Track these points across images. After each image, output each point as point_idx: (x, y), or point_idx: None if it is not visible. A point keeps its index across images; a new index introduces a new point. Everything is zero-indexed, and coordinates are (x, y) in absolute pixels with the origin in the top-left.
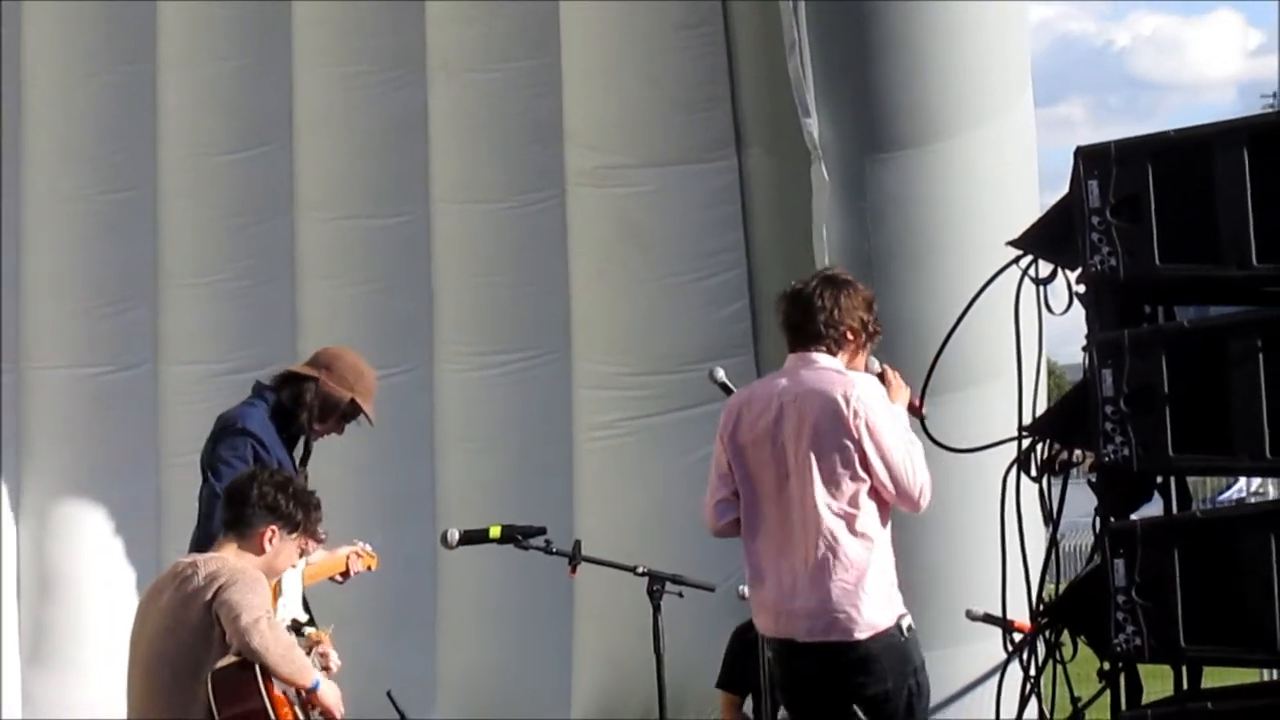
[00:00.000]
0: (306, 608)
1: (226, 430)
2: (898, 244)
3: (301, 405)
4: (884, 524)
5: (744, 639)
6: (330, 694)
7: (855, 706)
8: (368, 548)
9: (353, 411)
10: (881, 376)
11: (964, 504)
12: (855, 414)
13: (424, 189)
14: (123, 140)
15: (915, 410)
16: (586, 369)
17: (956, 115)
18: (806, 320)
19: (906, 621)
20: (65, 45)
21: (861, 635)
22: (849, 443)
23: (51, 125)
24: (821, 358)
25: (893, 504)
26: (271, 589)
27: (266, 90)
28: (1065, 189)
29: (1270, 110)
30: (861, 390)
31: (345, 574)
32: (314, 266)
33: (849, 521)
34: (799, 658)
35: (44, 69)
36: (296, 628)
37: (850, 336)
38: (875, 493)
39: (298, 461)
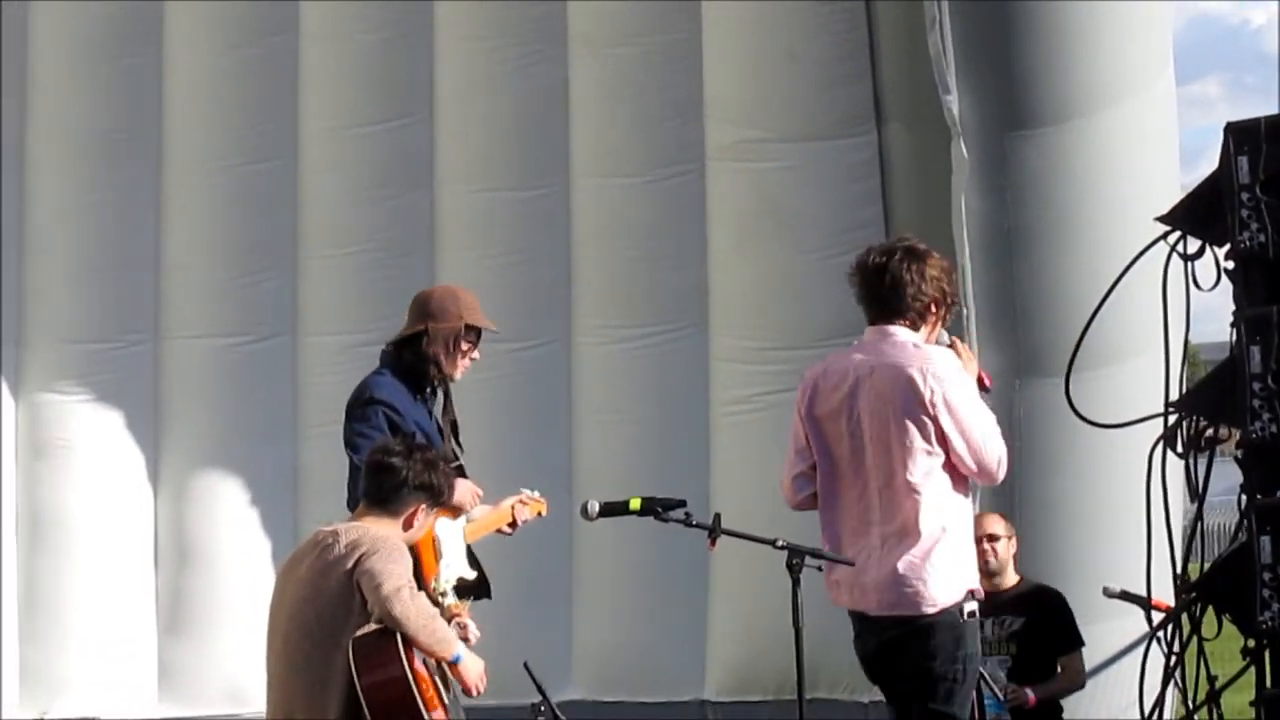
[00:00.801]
0: (475, 562)
1: (358, 402)
2: (1038, 221)
3: (425, 358)
4: (963, 497)
5: None
6: (472, 668)
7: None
8: (535, 494)
9: (473, 333)
10: (952, 348)
11: (1106, 481)
12: (932, 390)
13: (564, 162)
14: (265, 112)
15: (983, 385)
16: (723, 343)
17: (1098, 92)
18: (892, 294)
19: (970, 606)
20: (209, 18)
21: (927, 610)
22: (926, 418)
23: (195, 97)
24: (902, 331)
25: (971, 478)
26: (431, 552)
27: (408, 63)
28: (1203, 166)
29: None
30: (938, 365)
31: (513, 524)
32: (454, 239)
33: (923, 495)
34: (871, 630)
35: (188, 42)
36: (466, 585)
37: (934, 309)
38: (951, 467)
39: (440, 411)
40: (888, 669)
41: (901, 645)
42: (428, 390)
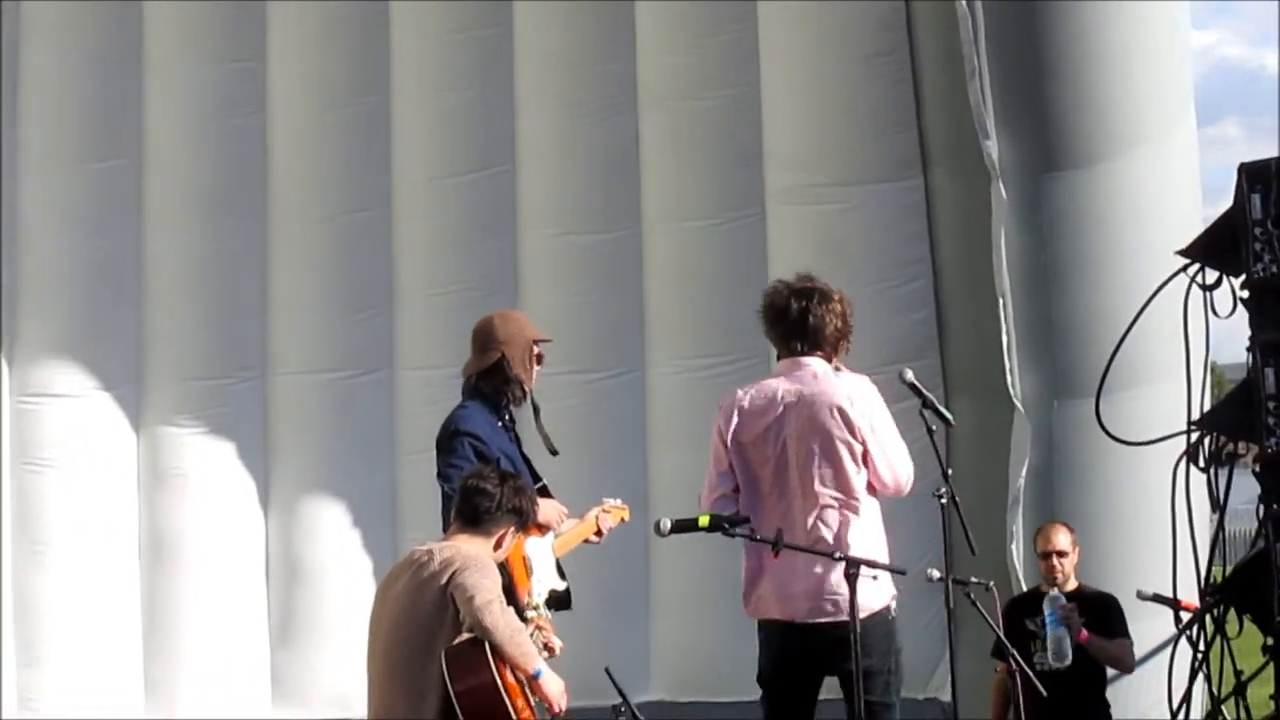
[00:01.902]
0: (562, 574)
1: (446, 435)
2: (1071, 255)
3: (507, 381)
4: (876, 512)
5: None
6: (553, 685)
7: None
8: (617, 501)
9: (537, 348)
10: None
11: (1135, 493)
12: (861, 414)
13: (636, 207)
14: (361, 165)
15: None
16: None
17: (1125, 136)
18: (812, 330)
19: (894, 605)
20: (308, 81)
21: (861, 615)
22: (855, 440)
23: (297, 154)
24: (818, 363)
25: (882, 492)
26: (523, 568)
27: (492, 118)
28: (1225, 203)
29: None
30: (864, 392)
31: (599, 533)
32: (536, 278)
33: (848, 511)
34: (797, 637)
35: (289, 102)
36: (555, 597)
37: (841, 342)
38: (870, 485)
39: (535, 417)
40: (818, 671)
41: (836, 648)
42: (507, 416)
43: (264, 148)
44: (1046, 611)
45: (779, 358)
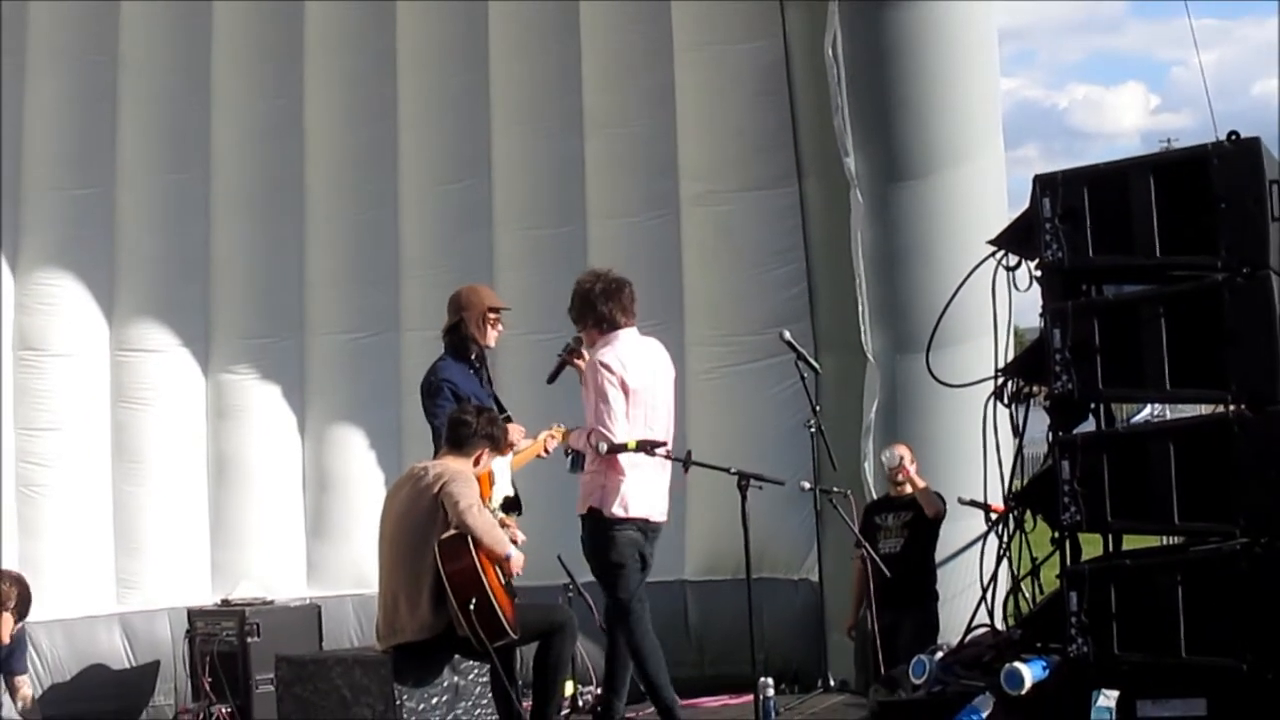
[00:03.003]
0: (514, 488)
1: (427, 383)
2: (911, 245)
3: (467, 338)
4: None
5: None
6: (517, 561)
7: None
8: (558, 426)
9: (494, 312)
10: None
11: (957, 424)
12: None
13: (582, 208)
14: (375, 175)
15: None
16: (695, 333)
17: (951, 154)
18: (632, 306)
19: None
20: (334, 112)
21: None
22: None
23: (330, 167)
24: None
25: None
26: (487, 481)
27: (474, 139)
28: (1024, 206)
29: (1164, 151)
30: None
31: (546, 450)
32: (507, 262)
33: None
34: (652, 530)
35: (322, 128)
36: (507, 502)
37: None
38: None
39: (486, 377)
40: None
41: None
42: (475, 362)
43: (301, 163)
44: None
45: (611, 327)
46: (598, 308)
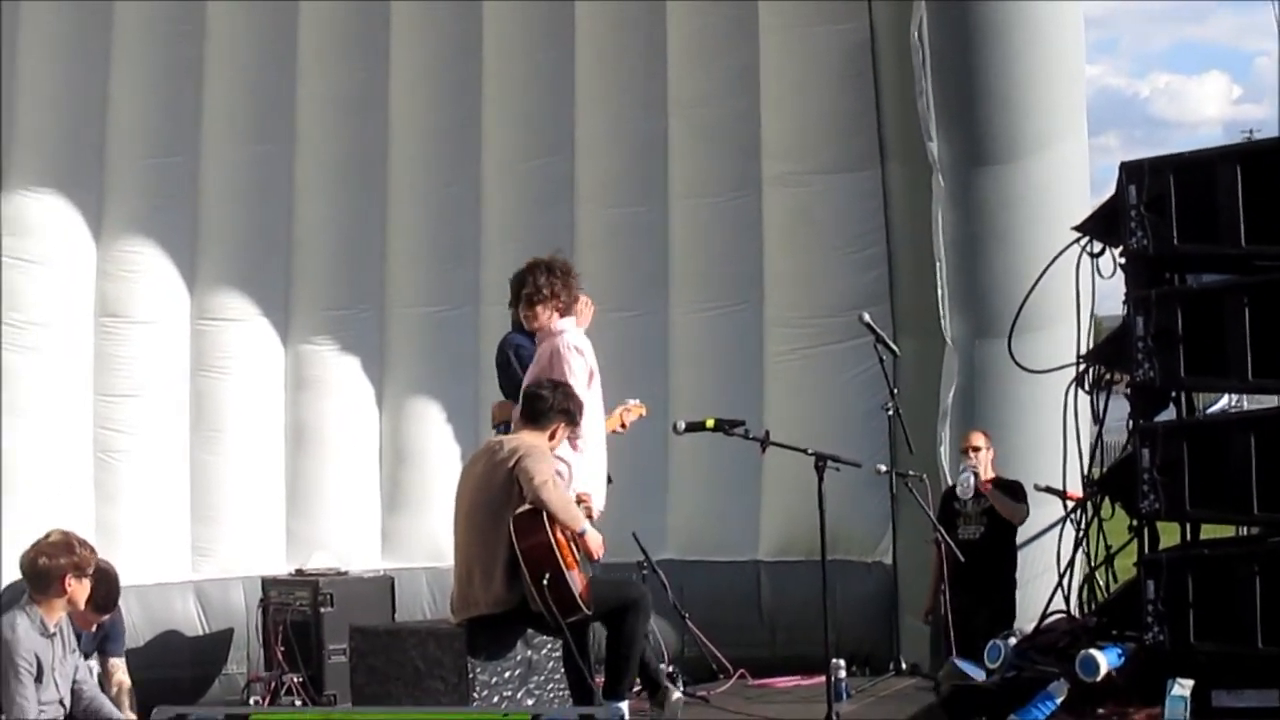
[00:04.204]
0: None
1: (500, 358)
2: (992, 230)
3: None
4: None
5: None
6: (594, 538)
7: None
8: (634, 401)
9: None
10: None
11: (1036, 410)
12: None
13: (664, 188)
14: (458, 151)
15: None
16: (774, 314)
17: (1034, 140)
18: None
19: None
20: (419, 88)
21: None
22: None
23: (413, 142)
24: None
25: None
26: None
27: (557, 117)
28: (1106, 194)
29: (1249, 141)
30: None
31: (623, 425)
32: (589, 241)
33: None
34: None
35: (406, 103)
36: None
37: None
38: None
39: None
40: None
41: None
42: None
43: (385, 137)
44: (960, 467)
45: (568, 311)
46: (572, 289)
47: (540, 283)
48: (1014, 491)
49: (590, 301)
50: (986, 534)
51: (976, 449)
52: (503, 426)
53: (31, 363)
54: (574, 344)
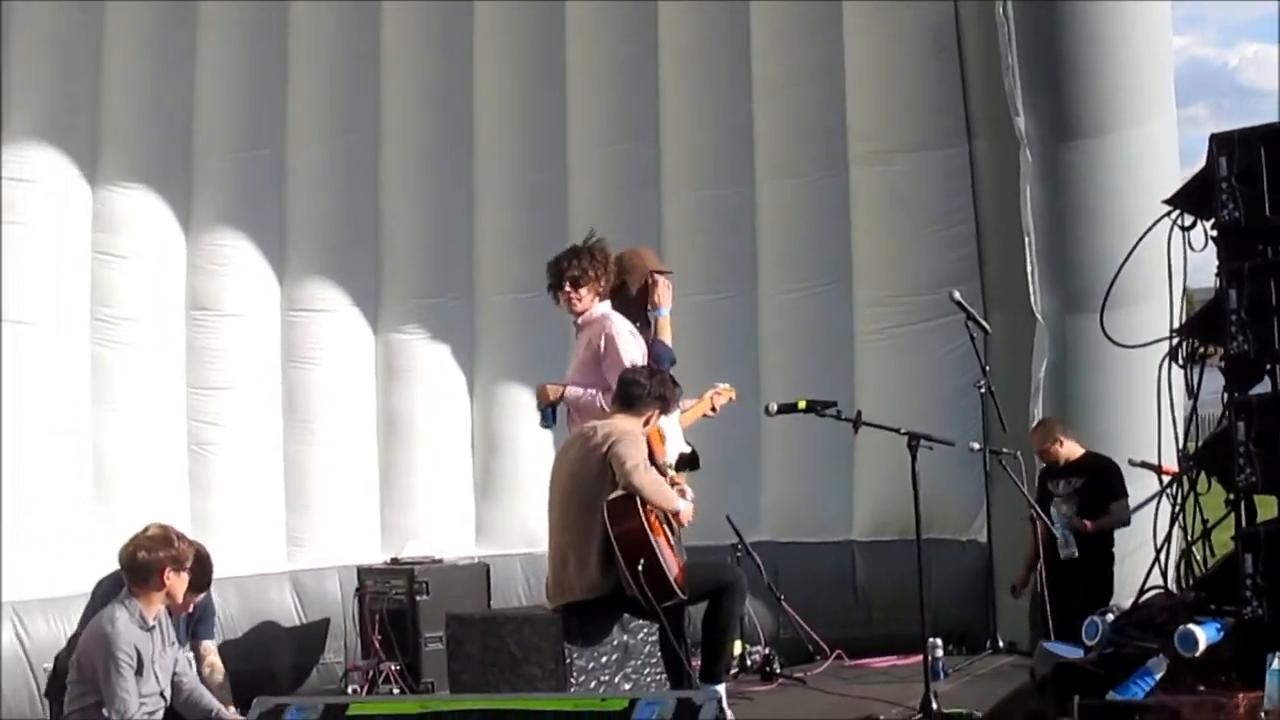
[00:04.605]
0: (689, 445)
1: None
2: (1080, 205)
3: (629, 301)
4: None
5: None
6: (686, 510)
7: None
8: (725, 385)
9: (657, 275)
10: None
11: (1129, 385)
12: None
13: (750, 169)
14: (544, 138)
15: None
16: (863, 294)
17: (1123, 114)
18: None
19: None
20: (504, 76)
21: None
22: None
23: (498, 130)
24: None
25: None
26: (658, 439)
27: (642, 102)
28: (1196, 167)
29: None
30: None
31: (714, 409)
32: (676, 225)
33: None
34: None
35: (491, 91)
36: (683, 459)
37: None
38: None
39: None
40: None
41: None
42: (639, 324)
43: (471, 124)
44: (1057, 521)
45: (605, 294)
46: (610, 273)
47: (584, 265)
48: (1111, 480)
49: (670, 282)
50: (1080, 511)
51: (1044, 449)
52: (550, 410)
53: (124, 357)
54: (626, 328)
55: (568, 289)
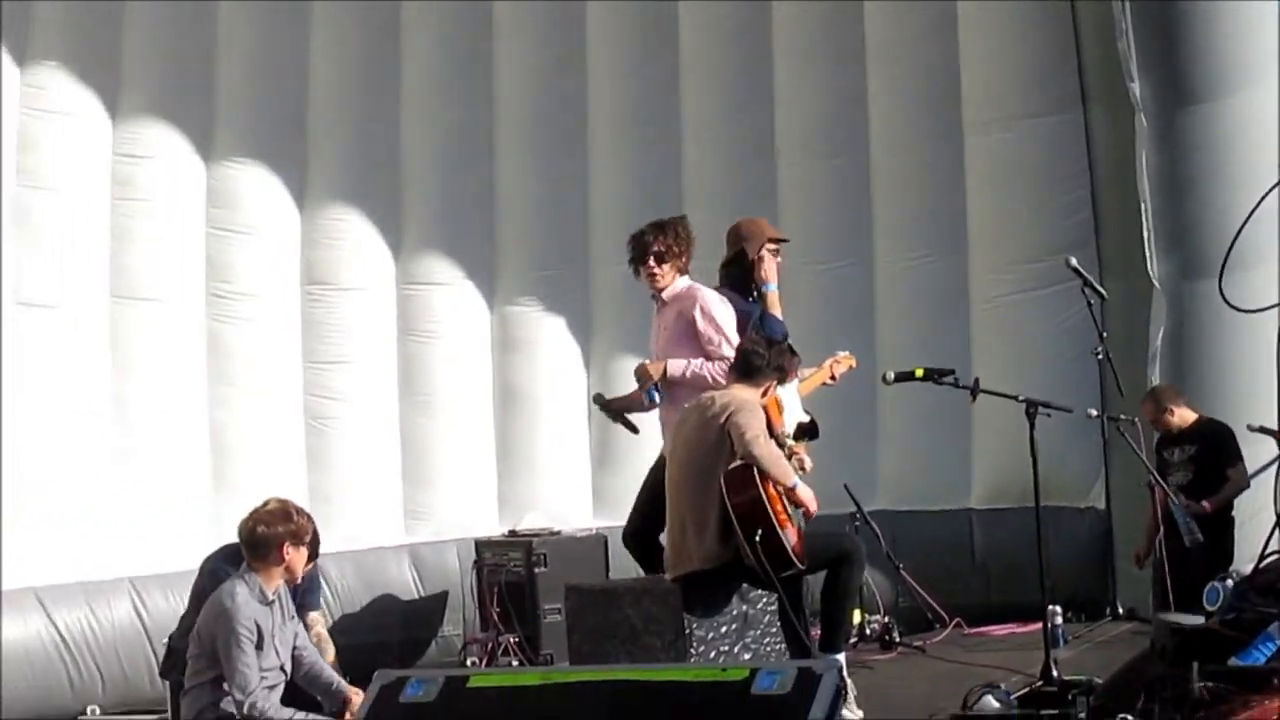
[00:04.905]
0: (808, 414)
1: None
2: (1197, 169)
3: (747, 269)
4: None
5: None
6: (806, 492)
7: None
8: (844, 353)
9: (773, 244)
10: None
11: (1246, 350)
12: None
13: (865, 139)
14: (657, 113)
15: None
16: (979, 261)
17: (1237, 78)
18: None
19: None
20: (618, 54)
21: None
22: None
23: (611, 105)
24: None
25: None
26: (776, 409)
27: (756, 71)
28: None
29: None
30: None
31: (833, 377)
32: (790, 195)
33: None
34: None
35: (604, 69)
36: (801, 428)
37: None
38: None
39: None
40: None
41: None
42: (754, 294)
43: (584, 97)
44: (1176, 511)
45: (685, 270)
46: (691, 248)
47: (669, 241)
48: (1226, 446)
49: (776, 258)
50: (1196, 478)
51: (1155, 419)
52: (654, 387)
53: (241, 333)
54: (716, 296)
55: (651, 264)
